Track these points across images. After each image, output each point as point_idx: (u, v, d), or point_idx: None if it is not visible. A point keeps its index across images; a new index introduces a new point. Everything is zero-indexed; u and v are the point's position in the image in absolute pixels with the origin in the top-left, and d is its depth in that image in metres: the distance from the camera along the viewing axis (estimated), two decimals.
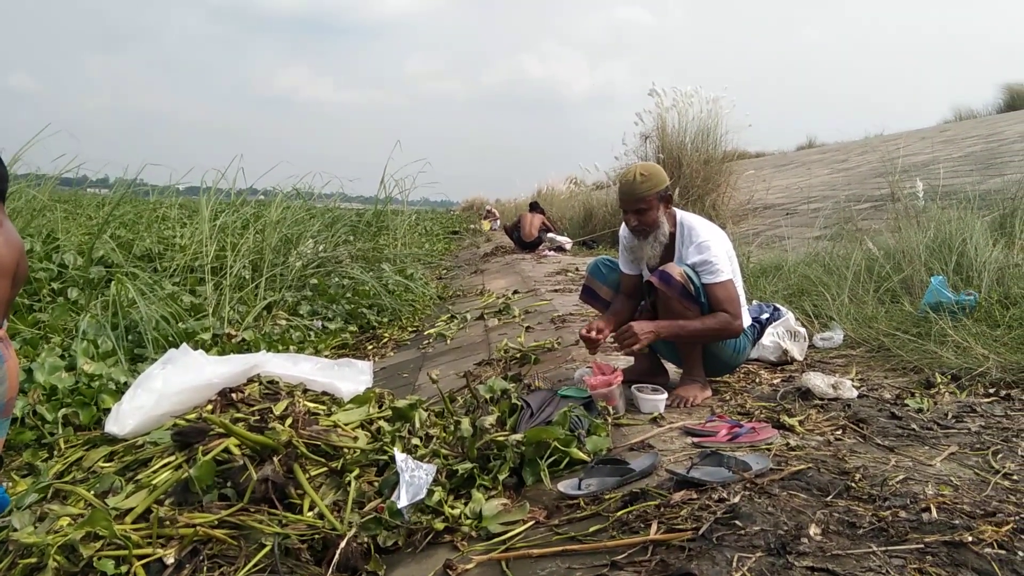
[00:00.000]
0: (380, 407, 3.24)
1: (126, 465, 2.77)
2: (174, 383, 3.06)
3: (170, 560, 2.28)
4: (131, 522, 2.38)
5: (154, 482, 2.54)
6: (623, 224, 3.58)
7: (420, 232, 16.11)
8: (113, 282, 6.05)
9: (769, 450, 2.55)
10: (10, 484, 3.35)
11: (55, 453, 4.01)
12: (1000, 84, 21.34)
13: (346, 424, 2.97)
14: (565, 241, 12.57)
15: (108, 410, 4.35)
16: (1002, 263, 4.67)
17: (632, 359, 3.81)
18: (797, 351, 4.04)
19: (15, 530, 2.51)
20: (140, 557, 2.26)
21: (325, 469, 2.63)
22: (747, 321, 3.56)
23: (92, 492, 2.56)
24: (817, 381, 3.25)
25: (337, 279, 8.15)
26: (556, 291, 7.32)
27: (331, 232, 9.52)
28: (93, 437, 3.29)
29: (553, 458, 2.63)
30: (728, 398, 3.42)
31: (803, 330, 4.20)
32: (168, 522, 2.34)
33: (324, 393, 3.36)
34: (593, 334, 3.44)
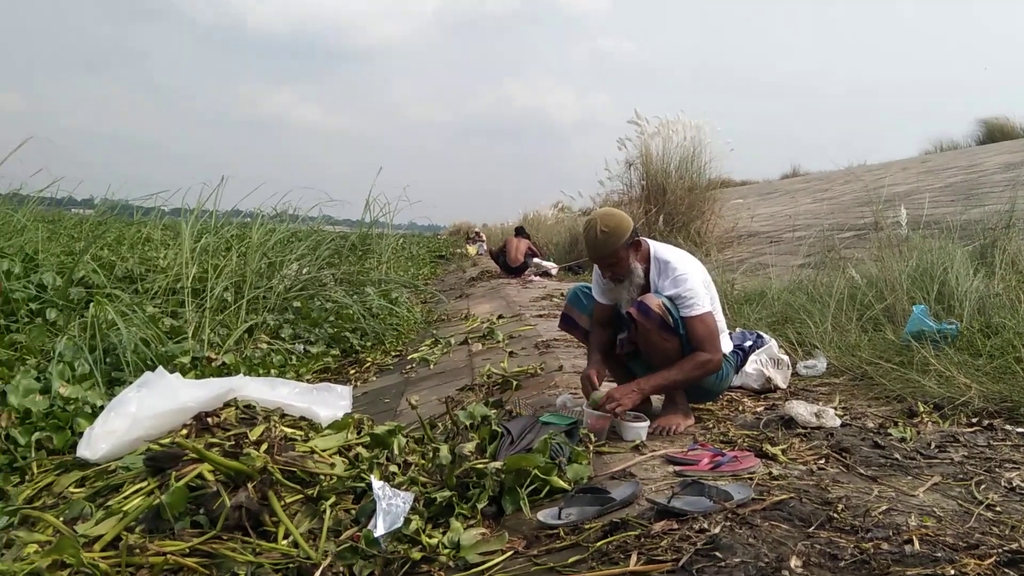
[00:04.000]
0: (359, 433, 3.19)
1: (97, 491, 2.71)
2: (148, 407, 3.01)
3: None
4: (100, 550, 2.32)
5: (125, 508, 2.47)
6: None
7: (406, 256, 16.09)
8: (92, 303, 5.97)
9: (751, 479, 2.52)
10: None
11: (27, 478, 3.92)
12: (977, 119, 21.72)
13: (323, 450, 2.92)
14: (551, 266, 12.58)
15: (83, 434, 4.28)
16: (983, 292, 4.70)
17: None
18: (780, 379, 4.03)
19: None
20: None
21: (301, 496, 2.58)
22: (729, 348, 3.55)
23: (61, 518, 2.49)
24: (800, 410, 3.24)
25: (320, 302, 8.09)
26: (541, 316, 7.30)
27: (315, 255, 9.47)
28: (64, 462, 3.21)
29: (533, 486, 2.59)
30: (711, 426, 3.40)
31: (786, 358, 4.19)
32: (138, 550, 2.28)
33: (302, 418, 3.31)
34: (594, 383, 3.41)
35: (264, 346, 6.37)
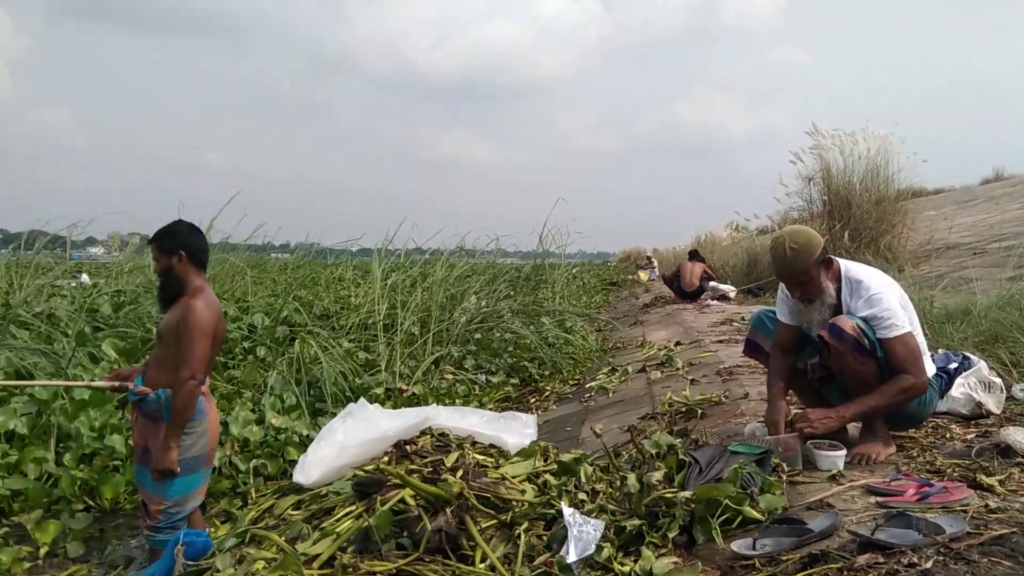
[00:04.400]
0: (545, 460, 3.27)
1: (312, 513, 2.95)
2: (353, 436, 3.25)
3: None
4: (318, 567, 2.53)
5: (337, 530, 2.68)
6: None
7: (578, 285, 16.22)
8: (297, 340, 6.52)
9: (964, 512, 2.34)
10: (212, 529, 3.66)
11: (248, 501, 4.34)
12: None
13: (513, 477, 3.02)
14: (728, 289, 12.23)
15: (293, 461, 4.67)
16: None
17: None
18: (993, 404, 3.70)
19: (218, 571, 2.73)
20: None
21: (495, 521, 2.69)
22: (932, 371, 3.32)
23: (283, 538, 2.75)
24: (1019, 436, 2.96)
25: (499, 333, 8.36)
26: (721, 342, 7.13)
27: (492, 288, 9.80)
28: (282, 486, 3.53)
29: (725, 516, 2.54)
30: (915, 455, 3.18)
31: (999, 380, 3.84)
32: (351, 569, 2.47)
33: (491, 446, 3.44)
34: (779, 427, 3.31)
35: (450, 377, 6.66)
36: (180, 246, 3.36)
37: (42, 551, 3.84)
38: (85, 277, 15.70)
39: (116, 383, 3.49)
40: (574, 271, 14.73)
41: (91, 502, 4.45)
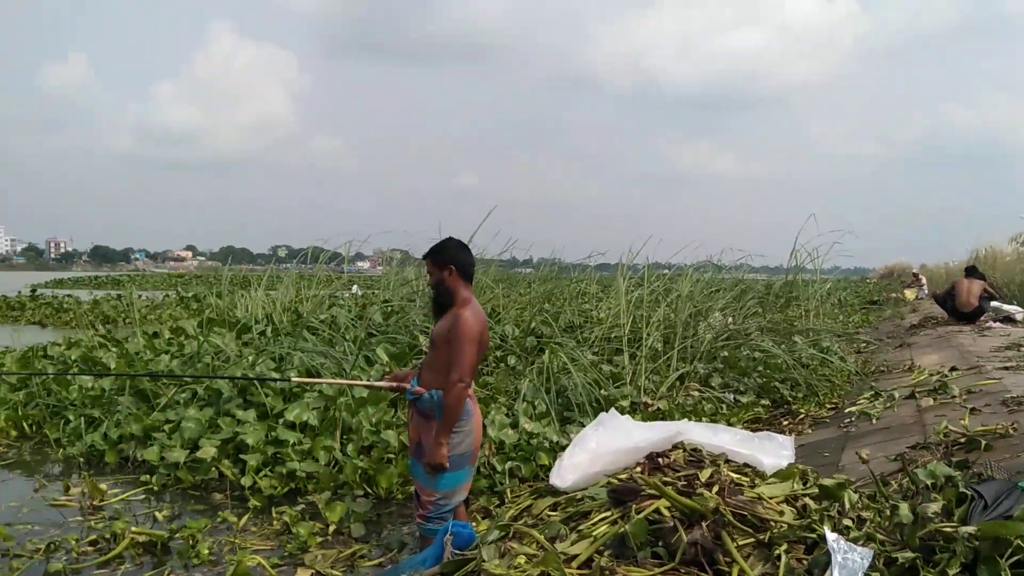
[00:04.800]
0: (804, 484, 3.15)
1: (569, 515, 3.09)
2: (606, 444, 3.35)
3: None
4: (576, 567, 2.64)
5: (594, 533, 2.79)
6: None
7: (833, 303, 15.26)
8: (547, 351, 6.79)
9: None
10: (473, 523, 3.93)
11: (504, 500, 4.61)
12: None
13: (770, 497, 2.95)
14: (1015, 311, 10.87)
15: (543, 466, 4.88)
16: None
17: None
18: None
19: (484, 561, 2.94)
20: None
21: (752, 540, 2.64)
22: None
23: (543, 536, 2.90)
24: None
25: (747, 352, 8.10)
26: (1007, 368, 6.37)
27: (740, 304, 9.52)
28: (538, 488, 3.71)
29: (1016, 558, 2.30)
30: None
31: None
32: (608, 572, 2.56)
33: (745, 465, 3.37)
34: None
35: (695, 394, 6.59)
36: (450, 260, 3.67)
37: (331, 528, 4.36)
38: (356, 288, 17.48)
39: (394, 384, 3.87)
40: (828, 288, 13.84)
41: (369, 489, 4.97)
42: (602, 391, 6.24)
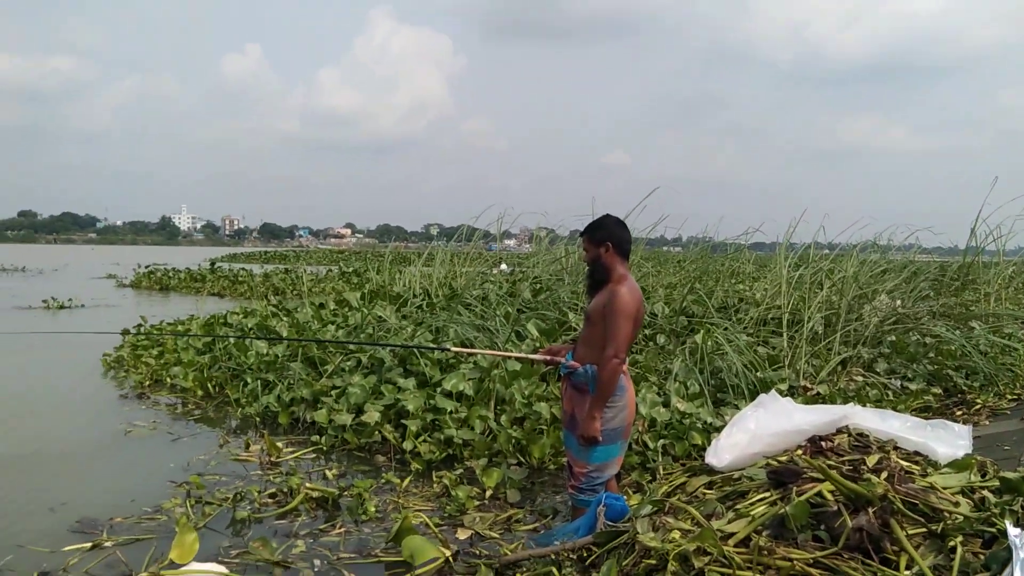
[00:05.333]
0: (983, 476, 2.96)
1: (725, 495, 3.06)
2: (766, 425, 3.27)
3: None
4: (733, 545, 2.63)
5: (752, 513, 2.75)
6: None
7: (1017, 286, 13.99)
8: (700, 332, 6.68)
9: None
10: (625, 497, 3.97)
11: (656, 476, 4.62)
12: None
13: (944, 488, 2.80)
14: None
15: (696, 445, 4.84)
16: None
17: None
18: None
19: (638, 533, 2.99)
20: None
21: (924, 530, 2.52)
22: None
23: (699, 513, 2.90)
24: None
25: (917, 337, 7.61)
26: None
27: (910, 287, 8.94)
28: (692, 466, 3.69)
29: None
30: None
31: None
32: (767, 552, 2.53)
33: (915, 453, 3.20)
34: None
35: (859, 379, 6.28)
36: (607, 237, 3.69)
37: (487, 493, 4.54)
38: (504, 266, 17.83)
39: (548, 357, 3.96)
40: (1012, 270, 12.67)
41: (522, 458, 5.12)
42: (758, 373, 6.07)
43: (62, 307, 16.96)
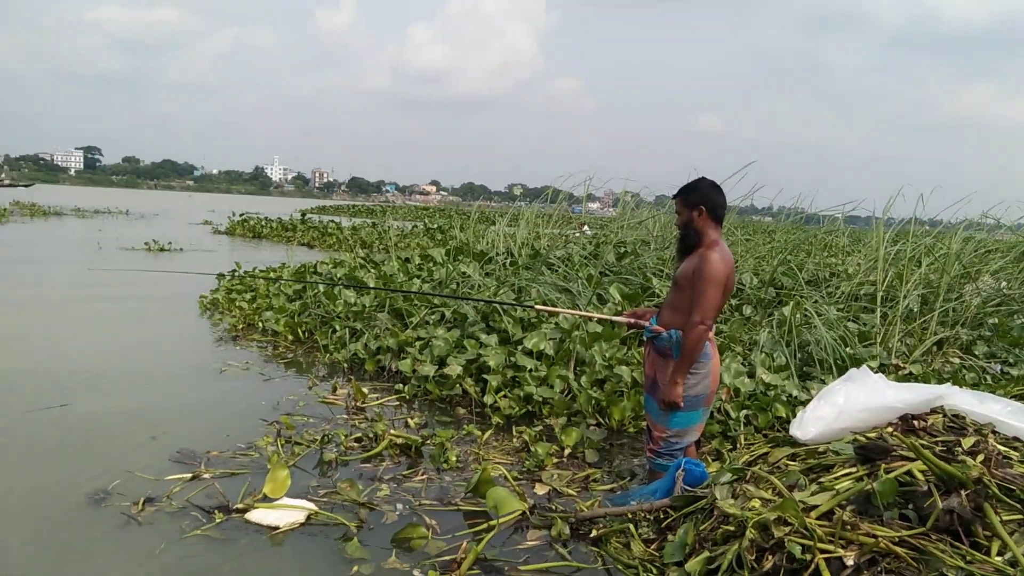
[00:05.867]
0: None
1: (809, 467, 3.02)
2: (855, 400, 3.20)
3: (849, 562, 2.43)
4: (815, 518, 2.61)
5: (837, 487, 2.72)
6: None
7: None
8: (790, 304, 6.53)
9: None
10: (704, 464, 3.96)
11: (736, 446, 4.58)
12: None
13: None
14: None
15: (780, 417, 4.77)
16: None
17: None
18: None
19: (717, 499, 2.99)
20: (822, 551, 2.47)
21: (1020, 517, 2.45)
22: None
23: (782, 483, 2.87)
24: None
25: (1022, 320, 7.24)
26: None
27: (1018, 268, 8.48)
28: (776, 437, 3.65)
29: None
30: None
31: None
32: (850, 527, 2.50)
33: (1015, 438, 3.09)
34: None
35: (956, 361, 6.04)
36: (701, 200, 3.63)
37: (565, 452, 4.60)
38: (587, 228, 17.72)
39: (632, 320, 3.95)
40: None
41: (601, 419, 5.15)
42: (847, 349, 5.91)
43: (162, 250, 17.80)
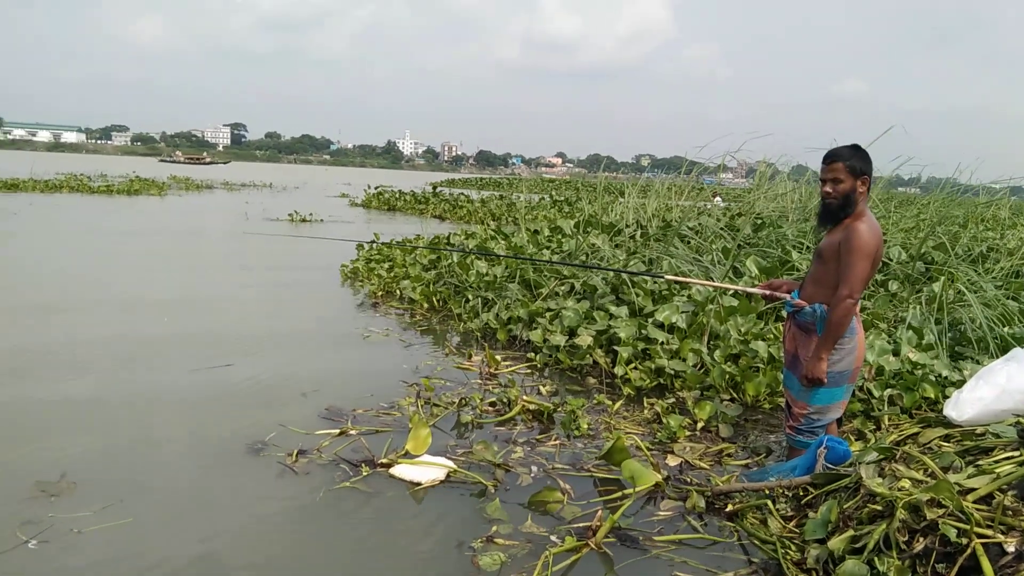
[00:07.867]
0: None
1: (966, 449, 2.88)
2: (1018, 381, 3.01)
3: (1010, 549, 2.32)
4: (972, 501, 2.49)
5: (996, 470, 2.58)
6: None
7: None
8: (940, 280, 6.16)
9: None
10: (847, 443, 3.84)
11: (880, 425, 4.40)
12: None
13: None
14: None
15: (927, 398, 4.54)
16: None
17: None
18: None
19: (863, 478, 2.90)
20: (979, 536, 2.36)
21: None
22: None
23: (935, 464, 2.75)
24: None
25: None
26: None
27: None
28: (927, 418, 3.49)
29: None
30: None
31: None
32: (1011, 512, 2.37)
33: None
34: None
35: None
36: (867, 170, 3.46)
37: (698, 425, 4.56)
38: (719, 199, 17.25)
39: (769, 292, 3.85)
40: None
41: (735, 394, 5.07)
42: (1007, 329, 5.52)
43: (304, 220, 18.75)
